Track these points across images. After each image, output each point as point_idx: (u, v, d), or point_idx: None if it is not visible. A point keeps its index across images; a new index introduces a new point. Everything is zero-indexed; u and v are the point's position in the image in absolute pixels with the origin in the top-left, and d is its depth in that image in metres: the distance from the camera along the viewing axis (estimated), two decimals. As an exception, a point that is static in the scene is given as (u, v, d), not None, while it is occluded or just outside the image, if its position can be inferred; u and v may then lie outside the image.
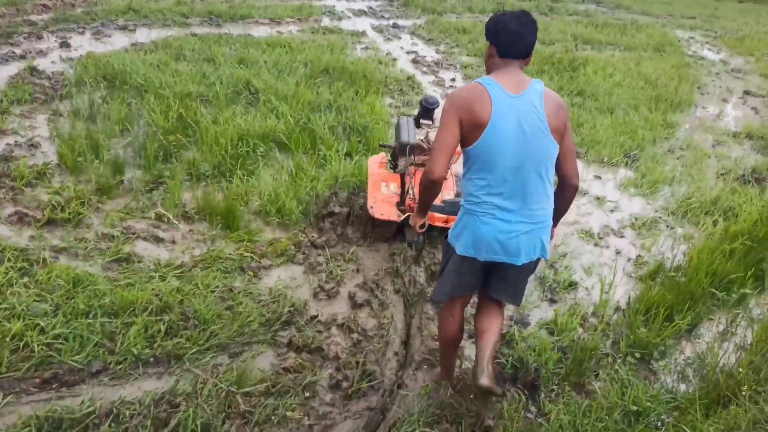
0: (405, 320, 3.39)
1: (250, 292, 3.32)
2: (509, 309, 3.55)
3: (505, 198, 2.30)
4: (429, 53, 9.18)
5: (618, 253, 4.46)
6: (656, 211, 5.18)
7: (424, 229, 2.81)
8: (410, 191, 3.87)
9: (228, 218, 3.94)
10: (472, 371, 2.55)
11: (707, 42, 13.70)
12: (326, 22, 10.09)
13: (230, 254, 3.62)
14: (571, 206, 2.67)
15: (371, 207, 3.91)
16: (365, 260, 3.87)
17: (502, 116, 2.23)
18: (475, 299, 2.86)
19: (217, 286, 3.30)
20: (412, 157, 3.82)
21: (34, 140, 4.65)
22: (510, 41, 2.32)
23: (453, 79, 8.05)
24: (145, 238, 3.68)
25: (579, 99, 7.72)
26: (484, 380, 2.36)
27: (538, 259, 2.46)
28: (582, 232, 4.68)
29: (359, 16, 10.95)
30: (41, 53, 6.53)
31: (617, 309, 3.74)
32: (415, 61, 8.55)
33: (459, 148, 2.38)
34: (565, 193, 2.49)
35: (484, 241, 2.34)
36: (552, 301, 3.74)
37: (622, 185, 5.59)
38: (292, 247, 3.84)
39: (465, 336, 3.00)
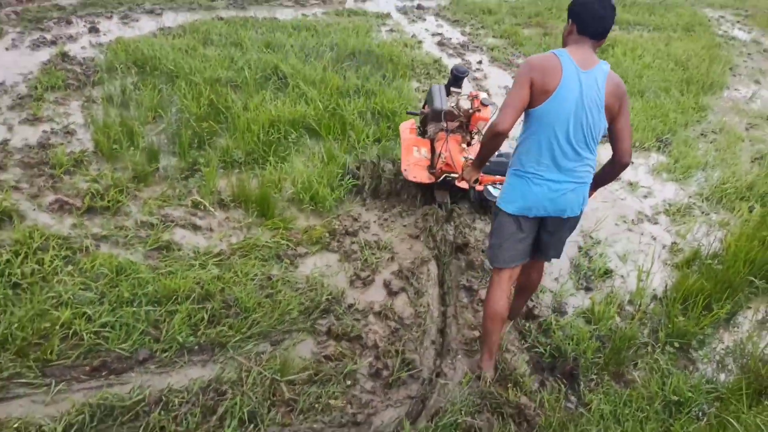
0: (440, 309, 3.41)
1: (288, 281, 3.35)
2: (545, 298, 3.57)
3: (555, 159, 2.55)
4: (454, 35, 9.07)
5: (653, 239, 4.42)
6: (690, 196, 5.11)
7: (477, 184, 3.14)
8: (441, 156, 3.95)
9: (263, 206, 3.97)
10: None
11: (738, 21, 13.33)
12: (350, 3, 10.01)
13: (266, 242, 3.66)
14: (604, 192, 2.74)
15: (405, 170, 4.13)
16: (399, 248, 3.88)
17: (568, 87, 2.46)
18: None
19: (256, 275, 3.33)
20: (445, 123, 4.04)
21: (70, 127, 4.71)
22: (591, 22, 2.51)
23: (480, 62, 7.95)
24: (183, 226, 3.73)
25: (609, 81, 7.59)
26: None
27: (579, 217, 2.73)
28: (616, 219, 4.63)
29: (383, -3, 10.85)
30: (71, 38, 6.57)
31: (654, 297, 3.72)
32: (440, 44, 8.47)
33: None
34: (615, 168, 2.72)
35: (535, 199, 2.61)
36: (588, 289, 3.73)
37: (654, 170, 5.52)
38: (327, 235, 3.86)
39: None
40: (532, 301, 3.45)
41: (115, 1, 8.03)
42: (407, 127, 4.59)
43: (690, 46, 9.74)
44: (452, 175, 3.97)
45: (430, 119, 4.26)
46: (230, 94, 5.42)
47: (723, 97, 7.91)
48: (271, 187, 4.18)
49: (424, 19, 9.79)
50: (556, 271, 3.85)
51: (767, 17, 13.89)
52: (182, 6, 8.33)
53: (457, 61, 7.85)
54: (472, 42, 8.82)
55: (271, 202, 3.99)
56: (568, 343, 3.13)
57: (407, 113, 4.99)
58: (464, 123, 4.09)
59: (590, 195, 2.74)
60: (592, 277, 3.83)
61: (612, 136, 2.61)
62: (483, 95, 4.03)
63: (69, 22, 7.04)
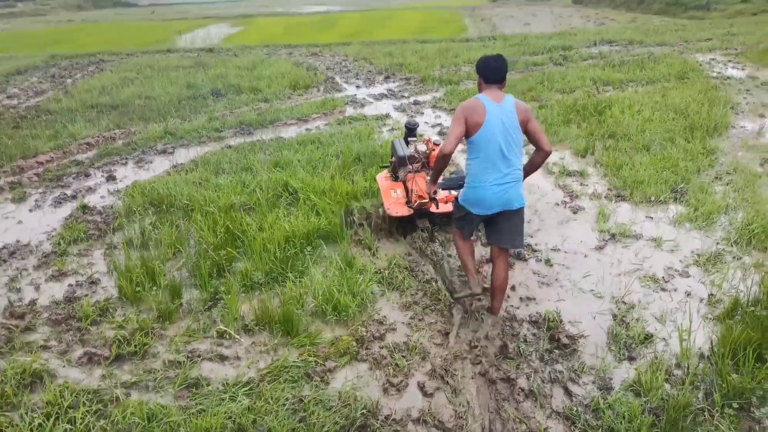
0: (480, 404, 3.28)
1: (320, 400, 3.27)
2: (586, 377, 3.42)
3: (497, 168, 3.64)
4: (450, 119, 9.31)
5: (688, 294, 4.27)
6: (718, 243, 5.00)
7: (436, 195, 4.51)
8: (413, 191, 5.05)
9: (286, 324, 3.95)
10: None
11: (729, 61, 13.57)
12: (350, 111, 10.42)
13: (294, 362, 3.61)
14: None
15: (388, 209, 5.16)
16: (429, 346, 3.80)
17: (492, 118, 3.58)
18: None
19: (287, 398, 3.27)
20: (410, 165, 5.16)
21: (94, 277, 4.84)
22: (492, 73, 3.69)
23: (482, 144, 8.10)
24: (210, 359, 3.71)
25: (612, 141, 7.66)
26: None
27: (523, 207, 3.79)
28: (645, 279, 4.51)
29: (380, 99, 11.28)
30: (90, 190, 6.89)
31: (701, 356, 3.55)
32: (441, 133, 8.69)
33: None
34: (540, 155, 3.77)
35: (488, 199, 3.70)
36: (631, 359, 3.57)
37: (676, 222, 5.43)
38: (354, 344, 3.81)
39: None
40: (573, 382, 3.32)
41: (129, 147, 8.46)
42: (383, 176, 5.65)
43: (686, 93, 9.88)
44: (425, 203, 4.92)
45: (398, 166, 5.41)
46: (245, 218, 5.56)
47: (730, 136, 7.91)
48: (292, 304, 4.18)
49: (422, 113, 10.12)
50: (592, 347, 3.71)
51: (758, 52, 14.13)
52: (192, 141, 8.74)
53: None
54: (472, 126, 9.03)
55: (294, 319, 3.98)
56: (620, 422, 2.96)
57: (380, 167, 6.15)
58: (425, 162, 5.19)
59: (523, 179, 3.80)
60: (633, 345, 3.68)
61: (530, 136, 3.73)
62: (435, 137, 5.12)
63: (87, 175, 7.41)
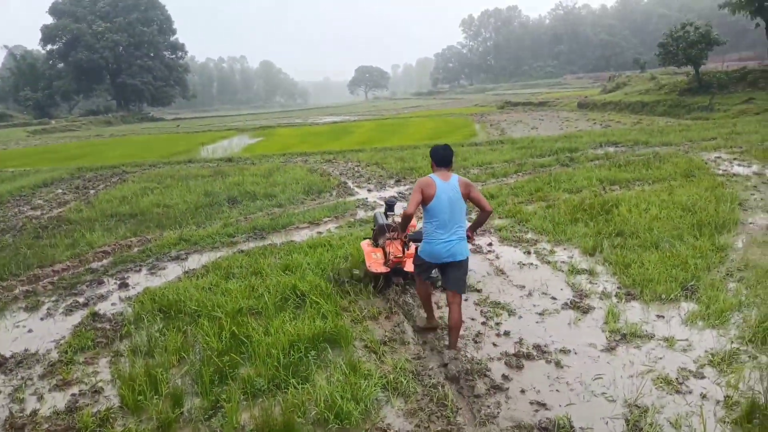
0: None
1: None
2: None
3: (445, 229, 4.85)
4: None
5: (703, 396, 4.12)
6: (732, 342, 4.87)
7: (407, 239, 6.15)
8: (390, 254, 6.35)
9: (287, 434, 3.85)
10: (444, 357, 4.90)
11: (735, 159, 13.79)
12: (361, 214, 10.64)
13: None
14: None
15: (369, 267, 6.39)
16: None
17: (441, 192, 4.82)
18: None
19: None
20: (388, 233, 6.46)
21: (97, 386, 4.80)
22: (440, 159, 4.98)
23: (490, 244, 8.18)
24: (206, 472, 3.59)
25: (620, 240, 7.68)
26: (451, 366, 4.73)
27: (467, 258, 4.99)
28: (659, 380, 4.37)
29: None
30: (102, 297, 6.98)
31: (720, 464, 3.36)
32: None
33: (414, 221, 6.08)
34: (482, 214, 5.05)
35: (438, 252, 4.90)
36: (645, 468, 3.39)
37: (687, 320, 5.33)
38: (356, 454, 3.68)
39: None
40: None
41: (143, 254, 8.64)
42: (365, 243, 6.97)
43: (693, 190, 9.99)
44: (398, 264, 6.29)
45: (378, 234, 6.86)
46: (251, 323, 5.57)
47: (739, 233, 7.89)
48: (294, 412, 4.08)
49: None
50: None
51: (762, 150, 14.38)
52: (205, 247, 8.91)
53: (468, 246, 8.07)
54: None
55: (295, 429, 3.89)
56: None
57: (365, 239, 7.44)
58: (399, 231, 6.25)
59: (469, 238, 5.05)
60: (647, 453, 3.51)
61: (474, 202, 4.95)
62: None
63: (100, 282, 7.53)
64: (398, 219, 6.29)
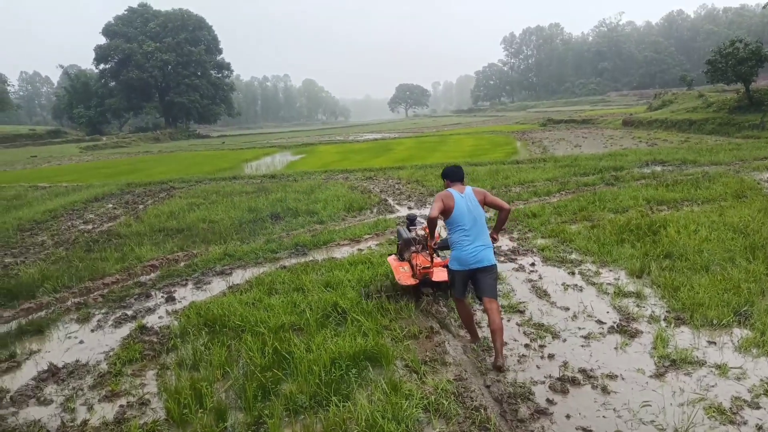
0: None
1: None
2: None
3: (471, 236, 5.22)
4: (503, 242, 9.37)
5: (759, 428, 3.95)
6: (790, 370, 4.65)
7: (436, 246, 6.53)
8: (416, 266, 6.54)
9: (329, 452, 3.85)
10: (493, 362, 5.11)
11: (789, 178, 13.29)
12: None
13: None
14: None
15: (399, 280, 6.63)
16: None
17: (460, 203, 5.27)
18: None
19: None
20: (414, 246, 6.82)
21: (144, 398, 4.91)
22: (453, 176, 5.53)
23: (533, 264, 8.07)
24: (249, 487, 3.62)
25: (668, 262, 7.47)
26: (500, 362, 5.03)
27: (495, 265, 5.33)
28: (711, 410, 4.21)
29: (431, 220, 11.52)
30: (150, 310, 7.16)
31: (779, 500, 3.21)
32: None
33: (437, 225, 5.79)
34: (502, 214, 5.49)
35: (466, 257, 5.23)
36: (698, 501, 3.26)
37: (741, 347, 5.14)
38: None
39: None
40: None
41: (189, 269, 8.84)
42: (392, 258, 7.30)
43: (745, 212, 9.67)
44: (426, 275, 6.41)
45: (403, 247, 7.03)
46: (293, 339, 5.62)
47: (795, 256, 7.57)
48: (335, 431, 4.09)
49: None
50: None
51: (819, 169, 13.79)
52: (249, 263, 9.07)
53: (512, 266, 7.98)
54: (522, 246, 9.05)
55: (337, 447, 3.88)
56: None
57: (390, 255, 7.66)
58: (424, 244, 6.78)
59: (494, 240, 5.48)
60: (700, 485, 3.38)
61: (491, 205, 5.42)
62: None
63: (148, 296, 7.73)
64: (420, 231, 6.92)
